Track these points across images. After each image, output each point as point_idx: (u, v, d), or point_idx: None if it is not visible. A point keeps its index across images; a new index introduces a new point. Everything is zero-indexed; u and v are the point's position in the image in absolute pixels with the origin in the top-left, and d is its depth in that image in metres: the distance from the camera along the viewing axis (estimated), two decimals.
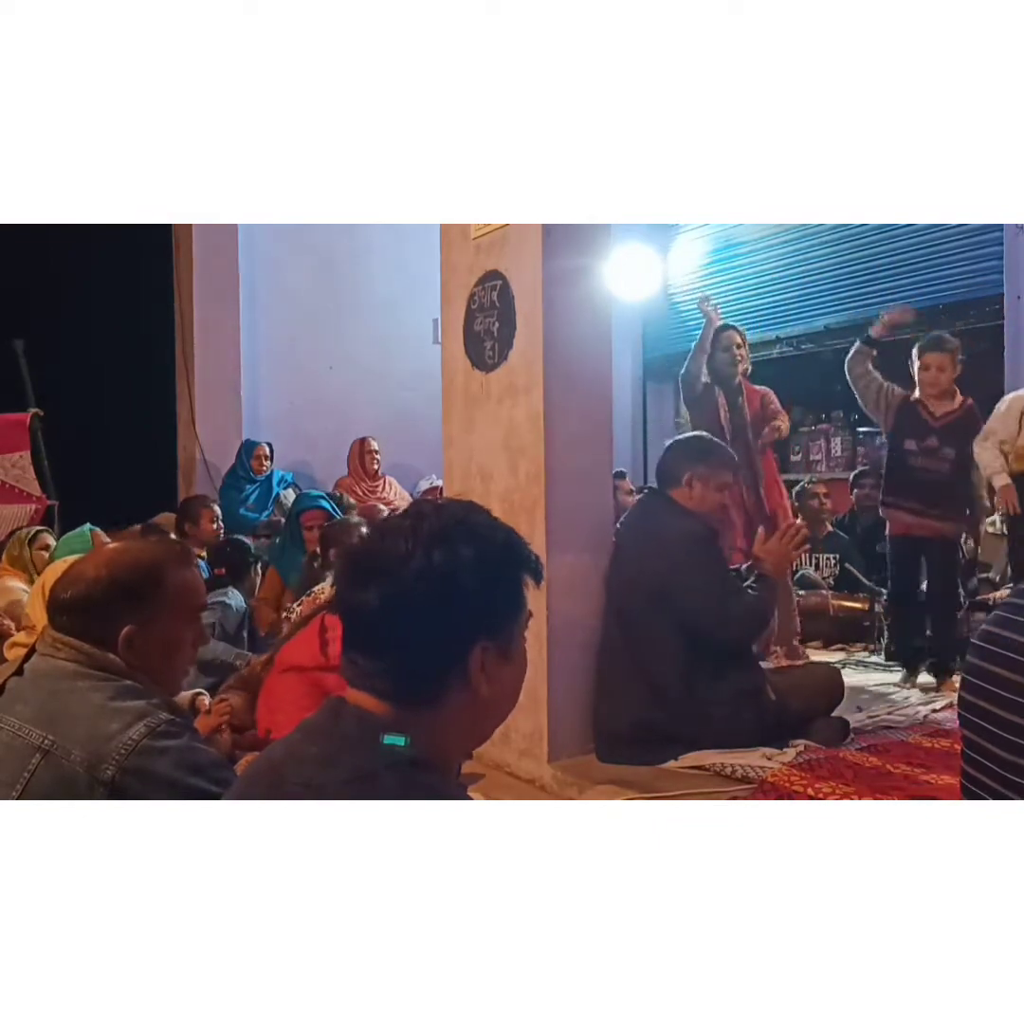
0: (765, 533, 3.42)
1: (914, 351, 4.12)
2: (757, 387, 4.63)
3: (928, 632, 4.28)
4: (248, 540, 4.48)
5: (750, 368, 4.57)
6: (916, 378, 4.10)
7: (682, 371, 4.54)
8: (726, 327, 4.60)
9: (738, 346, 4.49)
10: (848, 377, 4.20)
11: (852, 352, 4.17)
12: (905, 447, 4.10)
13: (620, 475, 5.97)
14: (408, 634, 0.99)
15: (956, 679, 4.09)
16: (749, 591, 3.21)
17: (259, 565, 4.40)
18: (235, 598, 4.01)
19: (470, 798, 1.07)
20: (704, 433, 3.83)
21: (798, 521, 3.75)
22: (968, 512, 4.27)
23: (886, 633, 4.70)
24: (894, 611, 4.42)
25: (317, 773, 0.98)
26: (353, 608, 1.02)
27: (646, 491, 3.64)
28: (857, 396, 4.25)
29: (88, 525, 3.84)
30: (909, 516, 4.11)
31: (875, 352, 4.14)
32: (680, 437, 3.72)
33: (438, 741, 1.03)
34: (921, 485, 4.08)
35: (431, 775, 1.00)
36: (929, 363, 4.05)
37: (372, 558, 1.02)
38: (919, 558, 4.20)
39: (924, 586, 4.28)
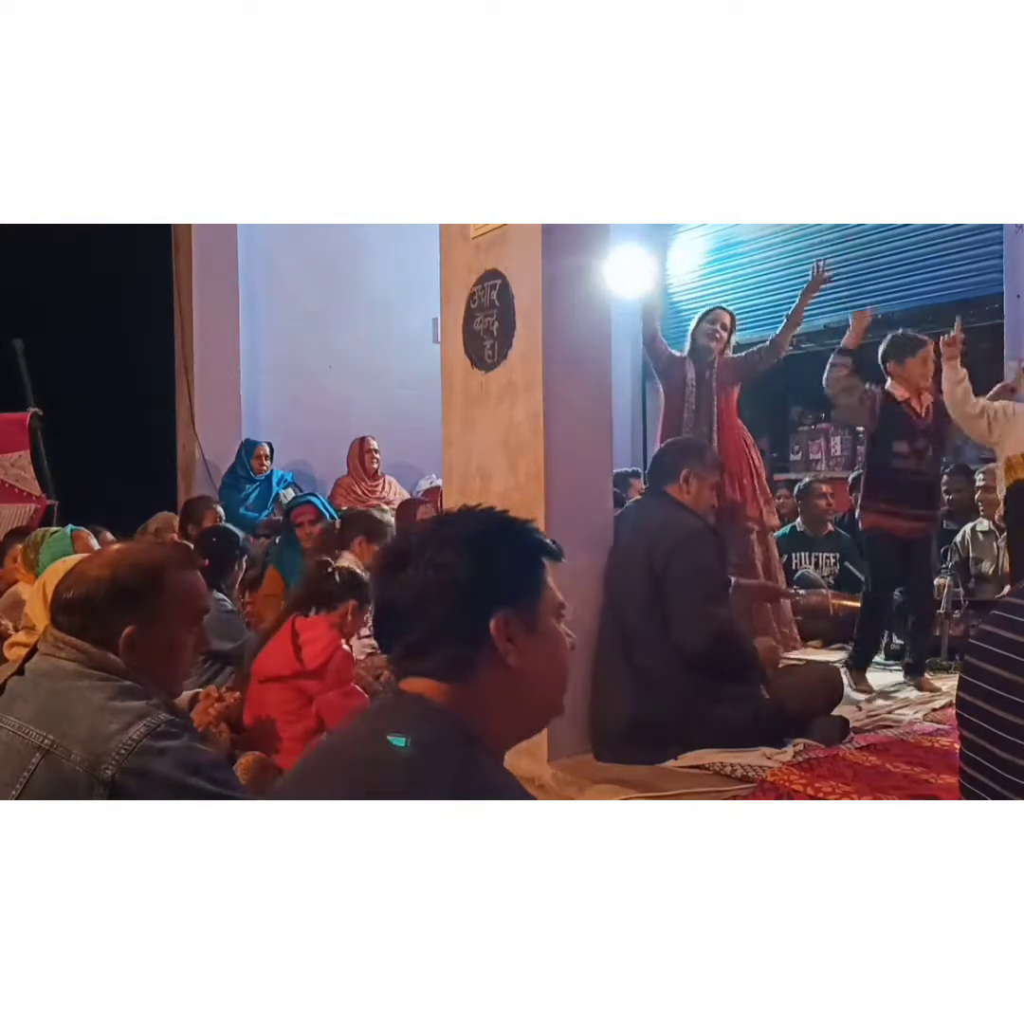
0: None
1: (888, 349, 4.07)
2: (731, 356, 4.64)
3: (903, 631, 4.33)
4: (237, 531, 4.44)
5: (730, 353, 4.59)
6: (900, 376, 4.03)
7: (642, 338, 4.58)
8: (718, 306, 4.69)
9: (723, 326, 4.52)
10: (828, 392, 4.11)
11: (829, 369, 4.06)
12: (896, 450, 4.00)
13: (635, 475, 5.97)
14: (433, 611, 1.08)
15: (935, 679, 4.11)
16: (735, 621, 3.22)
17: (244, 558, 4.37)
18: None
19: (519, 786, 1.09)
20: (690, 435, 3.90)
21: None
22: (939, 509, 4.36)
23: (887, 632, 4.70)
24: (876, 611, 4.29)
25: (377, 748, 1.03)
26: (386, 603, 1.13)
27: (645, 491, 3.68)
28: (836, 409, 4.24)
29: (70, 526, 3.83)
30: (901, 521, 4.03)
31: (851, 362, 4.04)
32: (670, 440, 3.80)
33: (489, 719, 1.10)
34: (913, 488, 4.02)
35: (487, 756, 1.07)
36: (926, 357, 4.02)
37: (398, 555, 1.13)
38: (902, 555, 4.13)
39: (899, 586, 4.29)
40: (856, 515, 4.31)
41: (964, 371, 3.95)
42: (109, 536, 4.42)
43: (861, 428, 4.39)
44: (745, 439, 4.62)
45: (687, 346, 4.59)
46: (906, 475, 4.00)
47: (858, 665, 4.15)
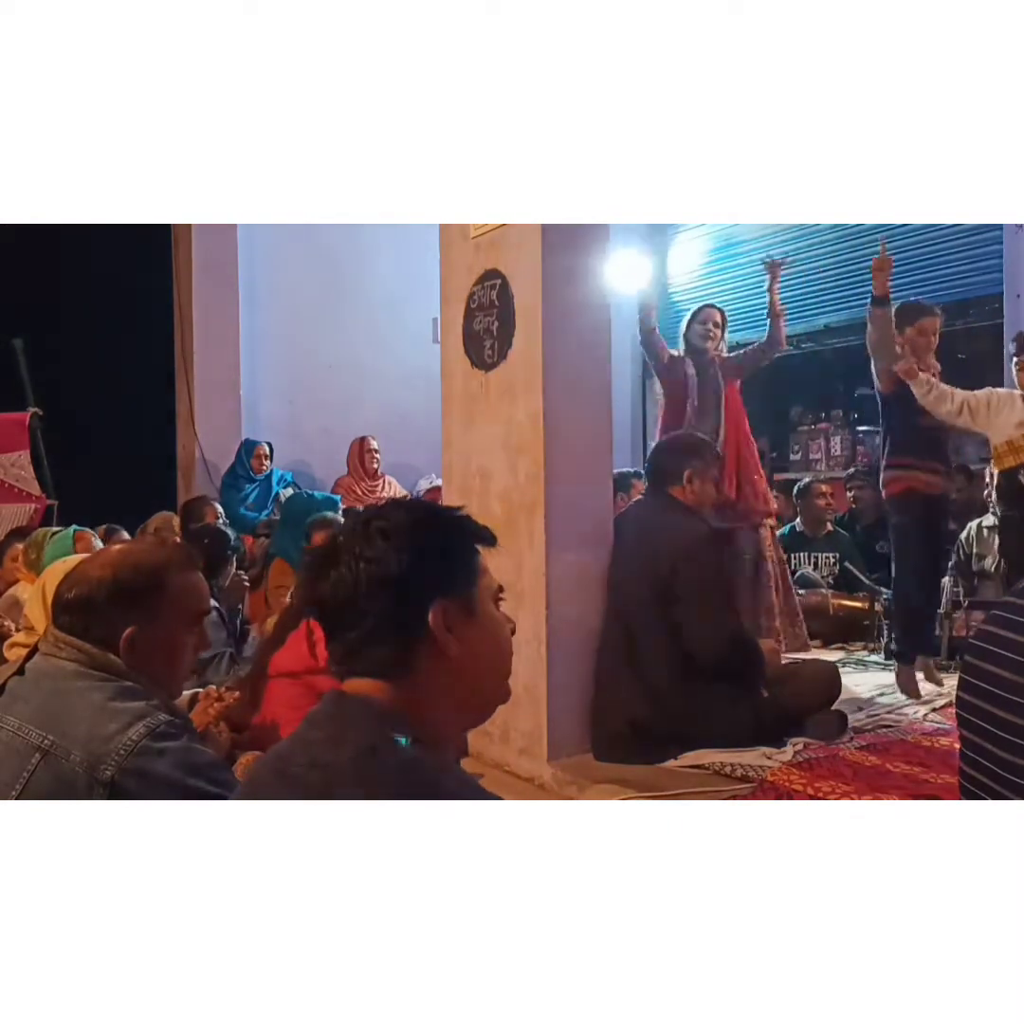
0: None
1: (897, 318, 4.08)
2: (729, 355, 4.67)
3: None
4: (228, 530, 4.44)
5: (725, 349, 4.62)
6: (909, 344, 4.06)
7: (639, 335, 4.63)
8: (708, 305, 4.71)
9: (715, 324, 4.55)
10: (871, 340, 4.12)
11: (872, 317, 4.07)
12: (918, 406, 4.03)
13: (638, 475, 5.98)
14: (367, 607, 1.06)
15: (944, 675, 4.03)
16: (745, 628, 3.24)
17: (237, 556, 4.36)
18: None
19: (469, 778, 1.09)
20: (691, 431, 3.91)
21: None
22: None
23: (887, 632, 4.68)
24: (910, 590, 4.10)
25: (323, 753, 1.03)
26: (318, 602, 1.10)
27: (646, 492, 3.66)
28: (870, 348, 4.17)
29: (74, 527, 3.83)
30: (928, 475, 4.06)
31: (888, 311, 4.06)
32: (667, 437, 3.79)
33: (433, 714, 1.08)
34: (934, 443, 4.10)
35: (429, 751, 1.05)
36: (927, 328, 4.06)
37: (327, 554, 1.10)
38: (930, 517, 4.07)
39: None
40: (881, 483, 4.21)
41: (925, 377, 3.95)
42: (125, 535, 4.43)
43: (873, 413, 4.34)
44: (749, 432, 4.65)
45: (682, 347, 4.62)
46: (928, 431, 4.07)
47: (909, 659, 3.97)
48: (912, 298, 4.28)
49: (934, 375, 4.09)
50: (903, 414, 4.12)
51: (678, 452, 3.49)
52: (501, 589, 1.18)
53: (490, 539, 1.16)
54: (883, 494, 4.25)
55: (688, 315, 4.68)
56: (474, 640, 1.10)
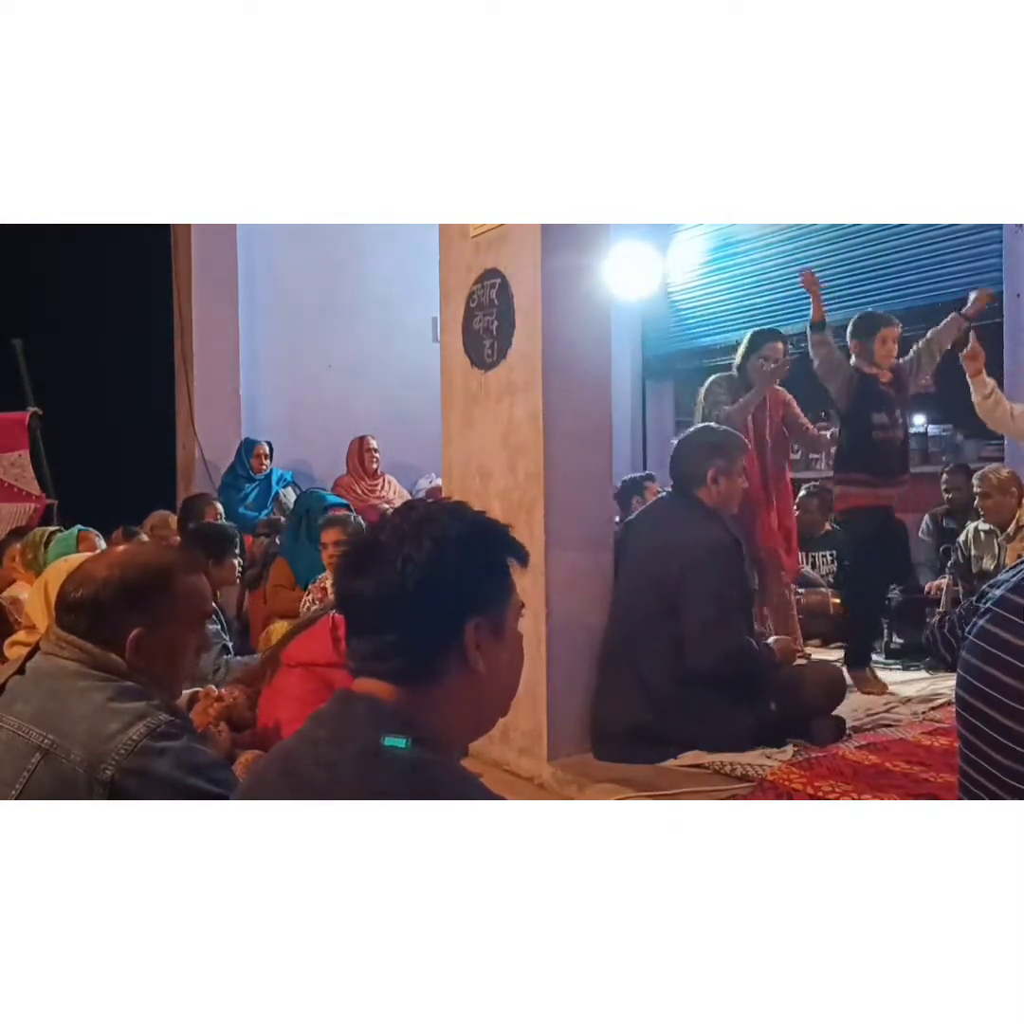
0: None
1: (856, 327, 4.14)
2: (780, 390, 4.54)
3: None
4: (229, 525, 4.40)
5: (783, 377, 4.44)
6: (872, 354, 4.09)
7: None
8: (775, 335, 4.47)
9: (782, 353, 4.38)
10: (816, 362, 4.15)
11: (814, 342, 4.10)
12: (875, 421, 4.07)
13: (649, 478, 5.92)
14: (406, 613, 1.05)
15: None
16: (751, 639, 3.19)
17: (238, 548, 4.32)
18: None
19: (472, 778, 1.09)
20: (711, 424, 3.76)
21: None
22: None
23: (887, 632, 4.68)
24: (864, 600, 4.20)
25: (329, 751, 1.03)
26: (353, 597, 1.09)
27: (666, 491, 3.58)
28: (820, 376, 4.18)
29: (78, 526, 3.83)
30: (879, 489, 4.08)
31: (830, 336, 4.12)
32: (690, 432, 3.66)
33: (442, 722, 1.08)
34: (889, 454, 4.10)
35: (435, 754, 1.05)
36: (887, 337, 4.08)
37: (367, 548, 1.08)
38: (881, 530, 4.12)
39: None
40: (837, 490, 4.26)
41: (991, 382, 3.97)
42: (144, 537, 4.41)
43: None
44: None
45: (735, 371, 4.41)
46: (883, 444, 4.08)
47: (858, 665, 4.06)
48: (868, 308, 4.30)
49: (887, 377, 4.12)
50: (858, 425, 4.12)
51: (701, 450, 3.35)
52: (522, 606, 1.18)
53: (526, 559, 1.15)
54: (833, 512, 4.26)
55: (745, 342, 4.44)
56: (498, 658, 1.11)
